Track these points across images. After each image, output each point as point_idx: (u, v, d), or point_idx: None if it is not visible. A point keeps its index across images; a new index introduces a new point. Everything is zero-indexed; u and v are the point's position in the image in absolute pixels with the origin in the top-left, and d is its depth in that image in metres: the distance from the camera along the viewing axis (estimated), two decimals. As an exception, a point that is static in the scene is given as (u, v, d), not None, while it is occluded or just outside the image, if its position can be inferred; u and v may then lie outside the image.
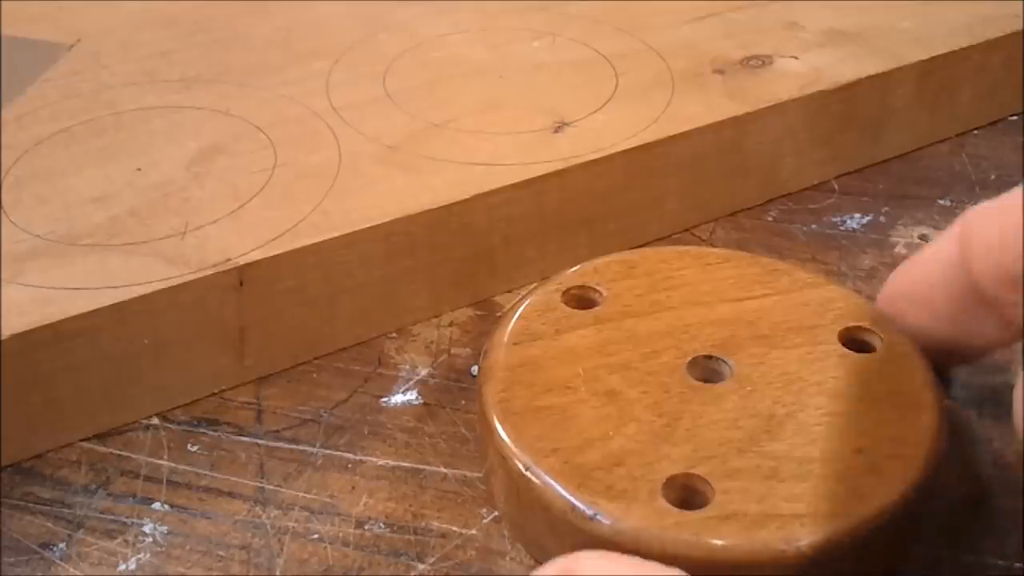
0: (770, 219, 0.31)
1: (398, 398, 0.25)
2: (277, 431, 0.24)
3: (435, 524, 0.22)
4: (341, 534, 0.22)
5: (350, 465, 0.23)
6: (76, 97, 0.30)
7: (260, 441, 0.24)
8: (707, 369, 0.22)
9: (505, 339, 0.22)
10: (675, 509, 0.19)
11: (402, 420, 0.24)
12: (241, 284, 0.24)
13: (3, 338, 0.21)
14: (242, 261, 0.24)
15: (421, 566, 0.21)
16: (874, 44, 0.32)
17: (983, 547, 0.21)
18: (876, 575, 0.20)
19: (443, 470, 0.23)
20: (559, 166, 0.27)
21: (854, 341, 0.22)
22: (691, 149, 0.29)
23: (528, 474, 0.20)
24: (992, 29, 0.33)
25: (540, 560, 0.20)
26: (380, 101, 0.30)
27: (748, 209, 0.31)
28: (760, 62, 0.31)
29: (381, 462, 0.23)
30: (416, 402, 0.25)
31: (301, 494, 0.23)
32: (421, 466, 0.23)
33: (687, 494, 0.19)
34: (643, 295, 0.23)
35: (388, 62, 0.32)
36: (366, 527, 0.22)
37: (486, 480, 0.22)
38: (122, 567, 0.21)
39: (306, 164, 0.27)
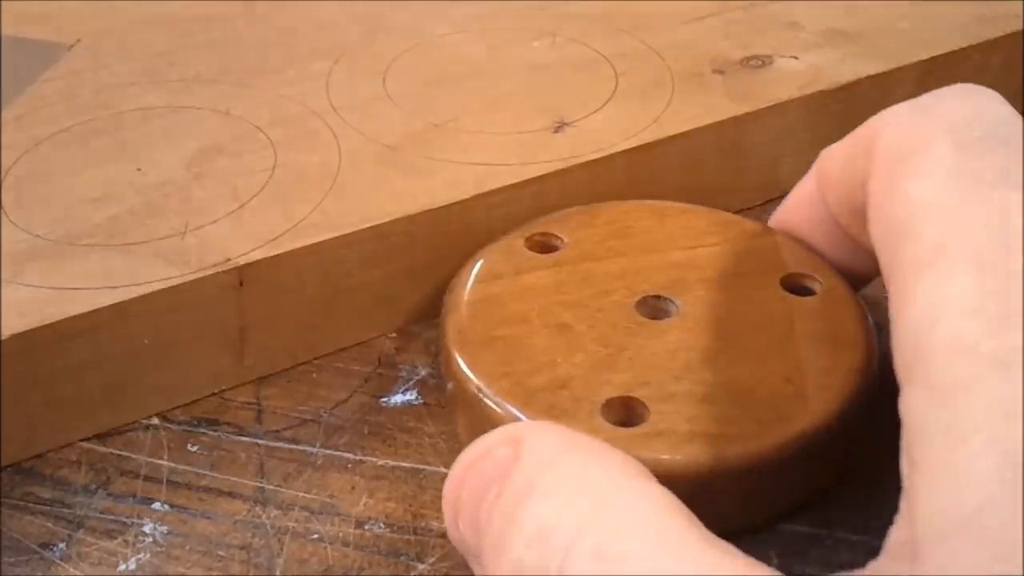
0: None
1: (398, 398, 0.25)
2: (277, 431, 0.24)
3: (435, 524, 0.22)
4: (341, 534, 0.22)
5: (350, 465, 0.23)
6: (76, 97, 0.30)
7: (260, 441, 0.24)
8: (655, 308, 0.23)
9: (468, 278, 0.24)
10: (610, 426, 0.20)
11: (402, 420, 0.24)
12: (241, 284, 0.24)
13: (3, 338, 0.21)
14: (242, 261, 0.24)
15: (421, 566, 0.21)
16: (874, 44, 0.32)
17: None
18: (802, 491, 0.21)
19: (443, 470, 0.23)
20: (559, 166, 0.27)
21: (795, 286, 0.24)
22: (691, 149, 0.29)
23: (480, 395, 0.21)
24: (992, 29, 0.33)
25: None
26: (380, 101, 0.30)
27: (748, 209, 0.31)
28: (760, 62, 0.31)
29: (381, 462, 0.23)
30: (416, 402, 0.25)
31: (301, 494, 0.23)
32: (421, 466, 0.23)
33: (625, 415, 0.21)
34: (601, 242, 0.25)
35: (388, 62, 0.32)
36: (366, 527, 0.22)
37: (449, 411, 0.24)
38: (122, 567, 0.21)
39: (306, 164, 0.27)
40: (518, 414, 0.21)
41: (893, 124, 0.19)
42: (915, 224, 0.17)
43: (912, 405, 0.15)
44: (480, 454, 0.17)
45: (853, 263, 0.24)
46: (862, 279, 0.24)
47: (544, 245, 0.25)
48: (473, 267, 0.24)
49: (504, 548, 0.16)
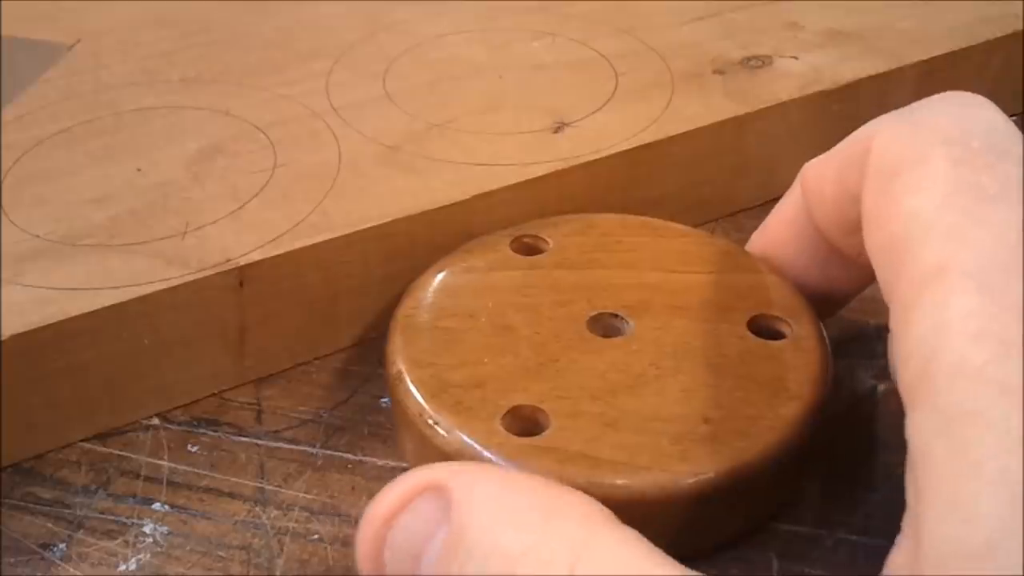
0: (770, 219, 0.30)
1: (398, 398, 0.25)
2: (277, 431, 0.24)
3: (435, 524, 0.22)
4: (341, 534, 0.22)
5: (350, 465, 0.23)
6: (76, 97, 0.30)
7: (260, 441, 0.24)
8: (608, 326, 0.23)
9: (440, 266, 0.24)
10: (504, 432, 0.20)
11: (402, 420, 0.24)
12: (241, 284, 0.24)
13: (3, 338, 0.21)
14: (242, 261, 0.24)
15: (421, 566, 0.21)
16: (874, 44, 0.32)
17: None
18: (691, 535, 0.20)
19: (443, 470, 0.23)
20: (559, 166, 0.27)
21: (765, 328, 0.23)
22: (691, 149, 0.29)
23: (398, 380, 0.21)
24: (992, 29, 0.33)
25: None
26: (380, 101, 0.30)
27: (748, 209, 0.31)
28: (760, 62, 0.31)
29: (381, 462, 0.23)
30: (416, 402, 0.25)
31: (301, 494, 0.23)
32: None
33: (526, 424, 0.20)
34: (585, 252, 0.24)
35: (388, 62, 0.32)
36: (366, 527, 0.22)
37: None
38: (122, 567, 0.21)
39: (306, 164, 0.27)
40: (423, 406, 0.21)
41: (885, 137, 0.18)
42: (914, 242, 0.16)
43: (918, 430, 0.15)
44: (393, 508, 0.16)
45: (840, 278, 0.23)
46: (851, 293, 0.24)
47: (529, 247, 0.25)
48: (450, 259, 0.24)
49: None
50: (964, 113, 0.18)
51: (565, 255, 0.24)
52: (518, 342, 0.22)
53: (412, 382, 0.21)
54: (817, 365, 0.22)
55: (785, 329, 0.22)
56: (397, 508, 0.16)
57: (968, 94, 0.19)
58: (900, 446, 0.16)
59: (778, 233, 0.24)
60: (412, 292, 0.24)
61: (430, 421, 0.20)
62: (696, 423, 0.20)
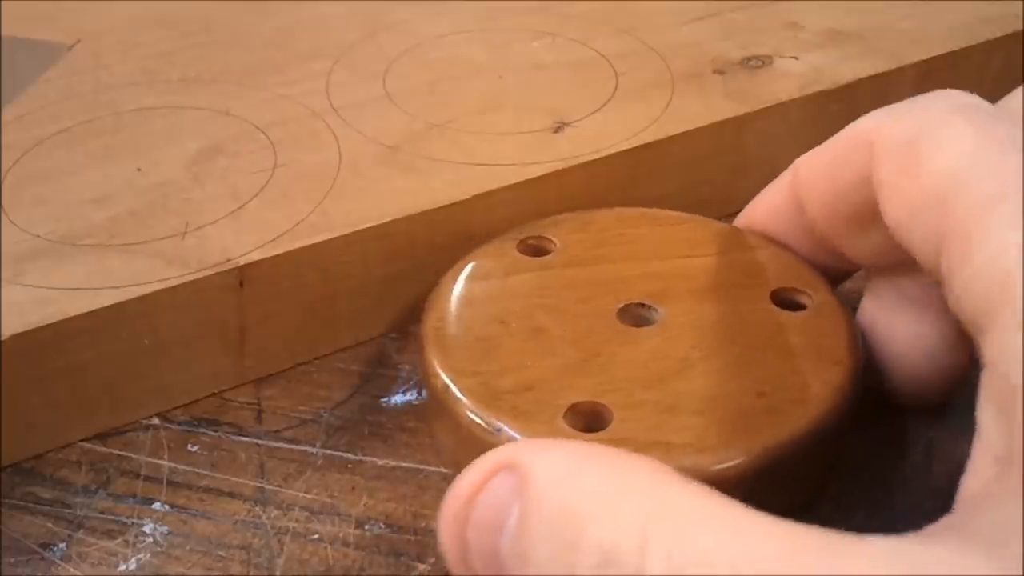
0: (770, 219, 0.31)
1: (398, 398, 0.25)
2: (277, 431, 0.24)
3: (435, 524, 0.22)
4: (341, 534, 0.22)
5: (350, 465, 0.23)
6: (76, 97, 0.30)
7: (260, 441, 0.24)
8: (637, 316, 0.23)
9: (455, 277, 0.24)
10: (571, 430, 0.20)
11: (402, 420, 0.24)
12: (241, 284, 0.24)
13: (3, 338, 0.21)
14: (242, 261, 0.24)
15: (421, 566, 0.21)
16: (874, 44, 0.32)
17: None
18: (766, 506, 0.21)
19: (443, 470, 0.23)
20: (559, 166, 0.27)
21: (786, 300, 0.23)
22: (691, 149, 0.29)
23: (447, 393, 0.21)
24: (992, 29, 0.33)
25: None
26: (380, 101, 0.30)
27: (748, 209, 0.31)
28: (760, 62, 0.31)
29: (381, 462, 0.23)
30: (416, 402, 0.25)
31: (301, 494, 0.23)
32: (421, 466, 0.23)
33: (588, 420, 0.20)
34: (592, 248, 0.24)
35: (388, 62, 0.32)
36: (366, 527, 0.22)
37: (426, 411, 0.24)
38: (122, 567, 0.21)
39: (306, 164, 0.27)
40: (480, 416, 0.20)
41: (891, 120, 0.19)
42: (958, 186, 0.17)
43: (1005, 346, 0.15)
44: (474, 488, 0.16)
45: (824, 268, 0.24)
46: (834, 283, 0.24)
47: (536, 249, 0.25)
48: (462, 267, 0.24)
49: None
50: (961, 95, 0.19)
51: (572, 253, 0.24)
52: (554, 342, 0.22)
53: (462, 392, 0.21)
54: (847, 330, 0.22)
55: (805, 300, 0.23)
56: (477, 488, 0.16)
57: (957, 91, 0.19)
58: (901, 446, 0.16)
59: (764, 222, 0.24)
60: (434, 304, 0.23)
61: (492, 429, 0.20)
62: (752, 397, 0.20)
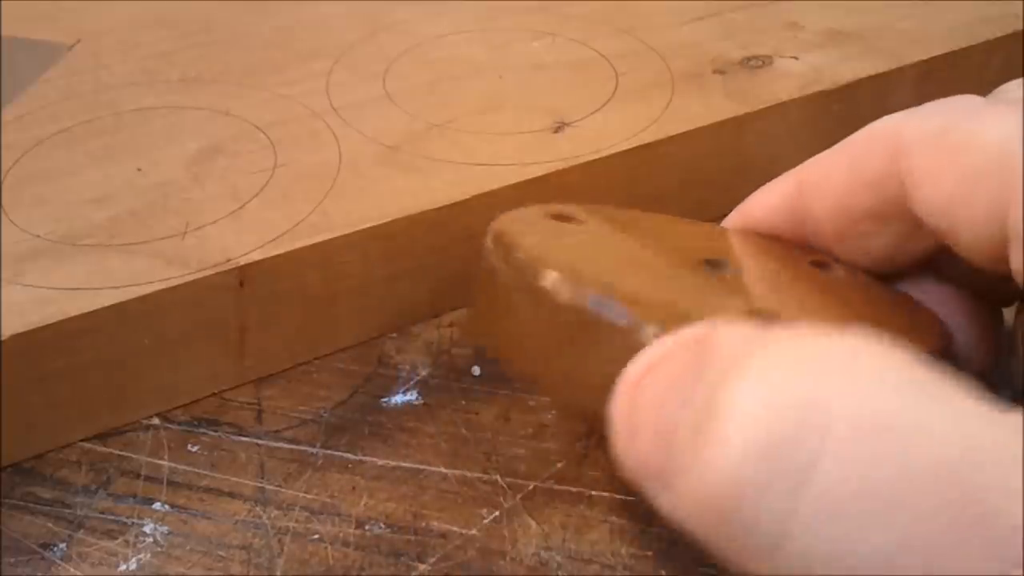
0: (770, 219, 0.31)
1: (398, 398, 0.25)
2: (277, 431, 0.24)
3: (435, 524, 0.22)
4: (341, 534, 0.22)
5: (350, 465, 0.23)
6: (76, 97, 0.30)
7: (260, 441, 0.24)
8: (717, 265, 0.20)
9: (499, 221, 0.20)
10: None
11: (402, 420, 0.24)
12: (241, 284, 0.24)
13: (3, 338, 0.21)
14: (242, 261, 0.24)
15: (421, 566, 0.21)
16: (874, 44, 0.32)
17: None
18: None
19: (443, 470, 0.23)
20: (559, 166, 0.27)
21: (820, 267, 0.22)
22: (691, 149, 0.29)
23: (590, 303, 0.17)
24: (992, 29, 0.33)
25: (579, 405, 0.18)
26: (380, 101, 0.30)
27: (748, 209, 0.31)
28: (760, 62, 0.31)
29: (381, 462, 0.23)
30: (416, 402, 0.25)
31: (301, 494, 0.23)
32: (421, 466, 0.23)
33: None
34: (619, 219, 0.22)
35: (388, 62, 0.32)
36: (366, 527, 0.22)
37: (501, 349, 0.19)
38: (122, 567, 0.21)
39: (306, 164, 0.27)
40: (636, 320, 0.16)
41: (915, 118, 0.19)
42: (1017, 152, 0.16)
43: None
44: (658, 358, 0.15)
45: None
46: None
47: (565, 217, 0.21)
48: (495, 223, 0.20)
49: (723, 437, 0.13)
50: (975, 97, 0.19)
51: (604, 219, 0.22)
52: (646, 264, 0.19)
53: (571, 284, 0.17)
54: (888, 288, 0.22)
55: (835, 267, 0.22)
56: (658, 361, 0.15)
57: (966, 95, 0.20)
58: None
59: (757, 225, 0.24)
60: (505, 236, 0.19)
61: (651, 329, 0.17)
62: (905, 322, 0.20)
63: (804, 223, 0.23)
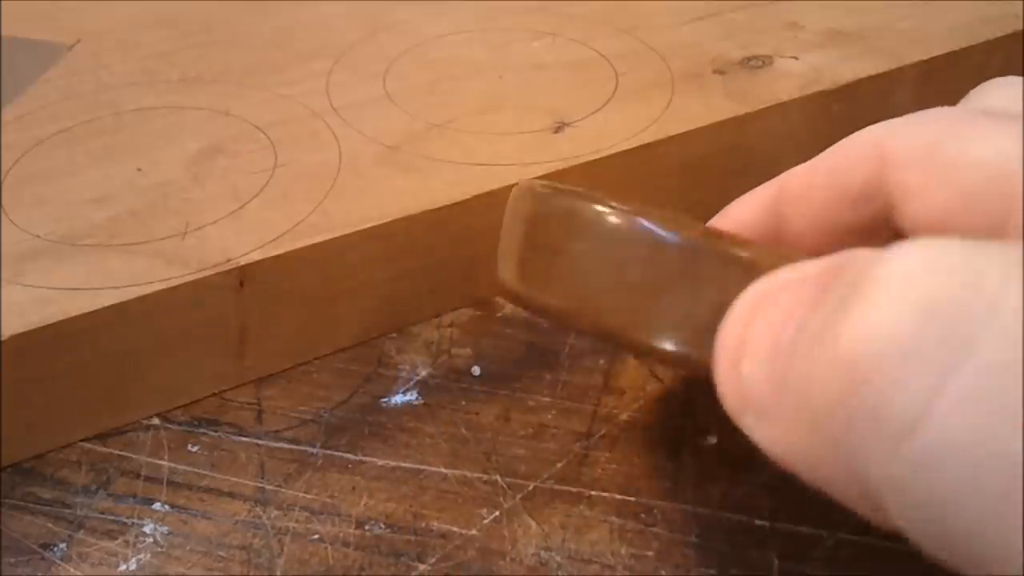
0: (770, 219, 0.31)
1: (398, 398, 0.25)
2: (277, 431, 0.24)
3: (435, 524, 0.22)
4: (341, 534, 0.22)
5: (350, 465, 0.23)
6: (76, 97, 0.30)
7: (260, 441, 0.24)
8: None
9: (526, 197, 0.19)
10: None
11: (402, 420, 0.24)
12: (241, 284, 0.24)
13: (3, 338, 0.21)
14: (242, 261, 0.24)
15: (421, 566, 0.21)
16: (874, 44, 0.32)
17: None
18: None
19: (443, 470, 0.23)
20: (559, 166, 0.27)
21: None
22: (691, 149, 0.29)
23: (700, 243, 0.17)
24: (992, 29, 0.33)
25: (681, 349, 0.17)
26: (380, 101, 0.30)
27: (748, 209, 0.31)
28: (760, 62, 0.31)
29: (381, 462, 0.23)
30: (416, 402, 0.25)
31: (301, 494, 0.23)
32: (421, 466, 0.23)
33: None
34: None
35: (388, 62, 0.32)
36: (366, 527, 0.22)
37: (571, 309, 0.18)
38: (122, 567, 0.21)
39: (306, 164, 0.27)
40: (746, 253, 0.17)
41: (901, 129, 0.19)
42: (1017, 165, 0.16)
43: None
44: (778, 287, 0.14)
45: None
46: None
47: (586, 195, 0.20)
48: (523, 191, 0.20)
49: (873, 302, 0.12)
50: (961, 109, 0.19)
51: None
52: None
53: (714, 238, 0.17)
54: None
55: None
56: (777, 289, 0.15)
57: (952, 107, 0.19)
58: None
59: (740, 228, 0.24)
60: (584, 197, 0.18)
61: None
62: None
63: (783, 236, 0.23)
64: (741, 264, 0.17)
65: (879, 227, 0.19)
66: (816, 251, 0.22)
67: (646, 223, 0.17)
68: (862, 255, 0.13)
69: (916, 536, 0.12)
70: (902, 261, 0.12)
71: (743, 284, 0.16)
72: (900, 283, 0.12)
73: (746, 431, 0.15)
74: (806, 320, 0.13)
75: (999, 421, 0.11)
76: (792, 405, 0.13)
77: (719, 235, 0.17)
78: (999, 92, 0.20)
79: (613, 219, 0.17)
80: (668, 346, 0.17)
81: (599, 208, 0.18)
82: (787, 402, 0.13)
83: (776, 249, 0.17)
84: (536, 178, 0.20)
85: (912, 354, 0.11)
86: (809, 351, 0.13)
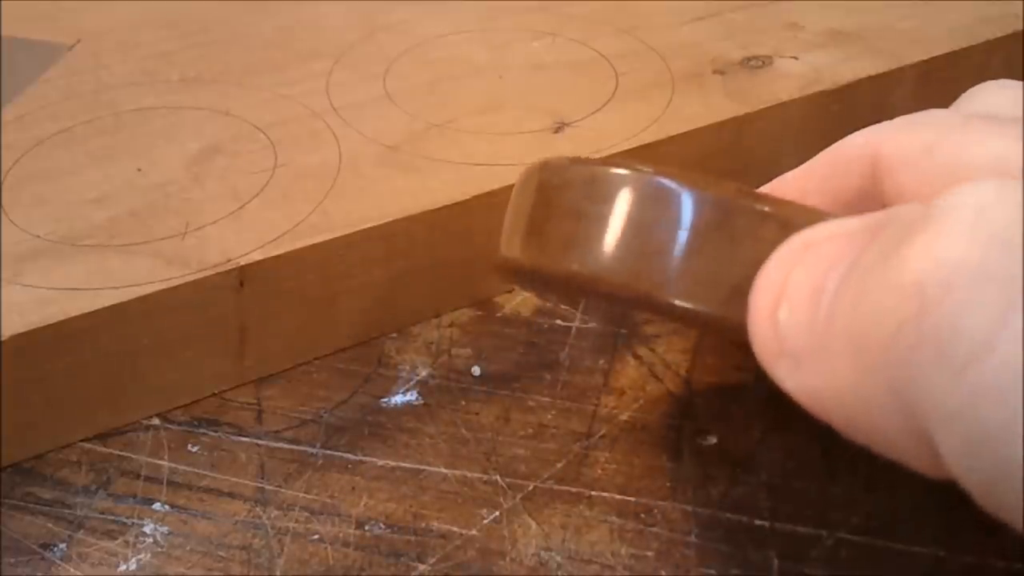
0: (770, 219, 0.31)
1: (398, 398, 0.25)
2: (277, 431, 0.24)
3: (435, 525, 0.22)
4: (341, 535, 0.22)
5: (350, 465, 0.23)
6: (76, 97, 0.30)
7: (260, 441, 0.24)
8: None
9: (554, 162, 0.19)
10: None
11: (402, 420, 0.24)
12: (241, 284, 0.24)
13: (3, 338, 0.21)
14: (242, 261, 0.24)
15: (421, 567, 0.21)
16: (874, 44, 0.32)
17: (984, 547, 0.21)
18: None
19: (443, 470, 0.23)
20: (559, 166, 0.27)
21: None
22: (691, 149, 0.29)
23: (738, 201, 0.17)
24: (992, 29, 0.33)
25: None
26: (380, 101, 0.30)
27: (748, 209, 0.31)
28: (760, 62, 0.31)
29: (381, 462, 0.23)
30: (416, 402, 0.25)
31: (301, 494, 0.23)
32: (421, 466, 0.23)
33: None
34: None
35: (388, 62, 0.32)
36: (366, 528, 0.22)
37: (600, 276, 0.17)
38: (122, 567, 0.21)
39: (306, 164, 0.27)
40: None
41: (894, 133, 0.19)
42: (1013, 167, 0.16)
43: None
44: (822, 238, 0.14)
45: None
46: None
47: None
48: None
49: (940, 228, 0.12)
50: (951, 111, 0.19)
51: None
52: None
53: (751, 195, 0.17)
54: None
55: None
56: (822, 239, 0.15)
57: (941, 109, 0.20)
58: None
59: None
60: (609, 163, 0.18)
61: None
62: None
63: None
64: (777, 220, 0.16)
65: None
66: None
67: (675, 183, 0.17)
68: (909, 207, 0.13)
69: (968, 479, 0.12)
70: (974, 193, 0.12)
71: (778, 240, 0.15)
72: (971, 212, 0.12)
73: (779, 381, 0.15)
74: (859, 259, 0.13)
75: None
76: (838, 345, 0.13)
77: (751, 193, 0.17)
78: (992, 95, 0.19)
79: (639, 180, 0.17)
80: (699, 307, 0.17)
81: (622, 171, 0.17)
82: (831, 344, 0.13)
83: (809, 208, 0.17)
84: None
85: (983, 279, 0.11)
86: (864, 283, 0.13)
